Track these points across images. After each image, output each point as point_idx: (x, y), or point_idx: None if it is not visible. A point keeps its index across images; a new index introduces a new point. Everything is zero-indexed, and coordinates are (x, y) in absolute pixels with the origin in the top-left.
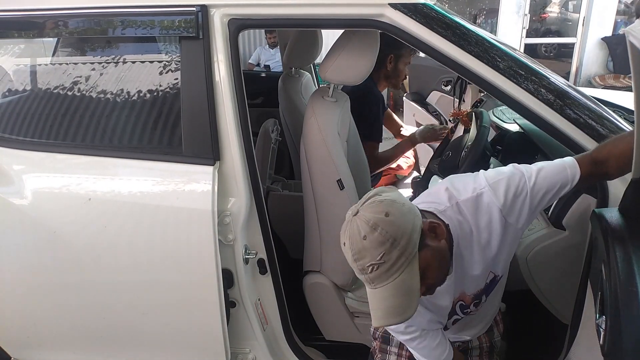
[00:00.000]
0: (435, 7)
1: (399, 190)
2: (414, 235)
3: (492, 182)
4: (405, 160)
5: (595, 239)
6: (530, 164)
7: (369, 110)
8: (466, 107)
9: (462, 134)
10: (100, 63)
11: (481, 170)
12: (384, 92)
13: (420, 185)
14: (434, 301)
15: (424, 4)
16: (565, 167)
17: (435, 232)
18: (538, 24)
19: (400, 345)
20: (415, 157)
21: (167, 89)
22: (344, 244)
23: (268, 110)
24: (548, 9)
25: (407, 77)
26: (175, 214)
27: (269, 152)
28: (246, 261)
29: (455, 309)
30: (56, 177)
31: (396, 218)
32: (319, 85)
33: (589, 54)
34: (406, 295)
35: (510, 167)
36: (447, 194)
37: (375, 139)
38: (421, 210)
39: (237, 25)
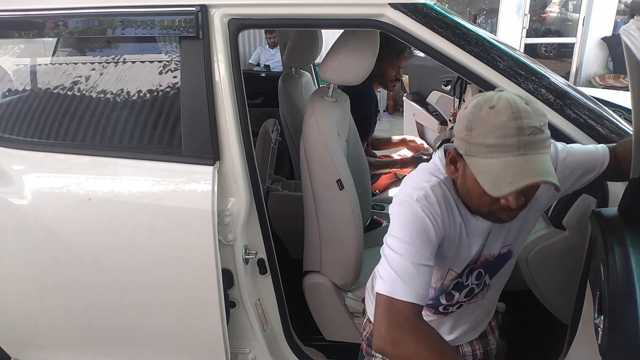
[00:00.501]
0: (435, 7)
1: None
2: None
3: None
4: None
5: (595, 239)
6: None
7: (359, 109)
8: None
9: None
10: (100, 63)
11: None
12: (384, 92)
13: None
14: (469, 238)
15: (424, 4)
16: (598, 150)
17: None
18: (538, 24)
19: None
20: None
21: (167, 89)
22: (492, 107)
23: (268, 110)
24: (548, 8)
25: (408, 76)
26: (175, 214)
27: (269, 152)
28: (246, 261)
29: (470, 273)
30: (56, 177)
31: None
32: (318, 85)
33: (589, 53)
34: (552, 170)
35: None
36: None
37: (362, 138)
38: None
39: (237, 25)
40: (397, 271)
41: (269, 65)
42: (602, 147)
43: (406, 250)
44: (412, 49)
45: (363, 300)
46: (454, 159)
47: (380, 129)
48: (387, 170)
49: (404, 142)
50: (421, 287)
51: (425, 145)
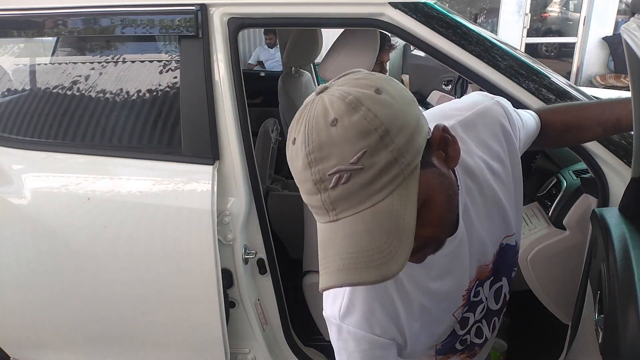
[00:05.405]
0: (436, 6)
1: None
2: (418, 138)
3: (497, 98)
4: None
5: (595, 239)
6: (530, 164)
7: None
8: None
9: None
10: (99, 62)
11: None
12: None
13: None
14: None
15: (424, 3)
16: (533, 116)
17: (446, 148)
18: (539, 24)
19: None
20: None
21: (167, 89)
22: (294, 140)
23: (268, 110)
24: (549, 8)
25: (408, 76)
26: (174, 213)
27: (269, 152)
28: (246, 261)
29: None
30: (55, 176)
31: (393, 99)
32: (318, 85)
33: (589, 53)
34: (392, 234)
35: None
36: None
37: None
38: None
39: (237, 25)
40: None
41: (262, 62)
42: (535, 116)
43: None
44: (392, 41)
45: None
46: None
47: None
48: None
49: None
50: None
51: None
